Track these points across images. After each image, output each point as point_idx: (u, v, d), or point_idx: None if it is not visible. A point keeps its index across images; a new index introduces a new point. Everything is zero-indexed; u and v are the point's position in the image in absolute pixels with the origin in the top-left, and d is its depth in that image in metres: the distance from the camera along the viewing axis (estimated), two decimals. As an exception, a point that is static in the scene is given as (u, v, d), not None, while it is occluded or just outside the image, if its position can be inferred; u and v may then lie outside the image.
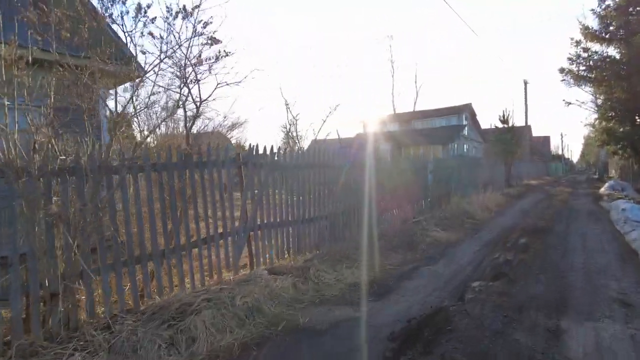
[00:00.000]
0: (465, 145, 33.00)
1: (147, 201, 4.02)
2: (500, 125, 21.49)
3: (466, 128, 33.37)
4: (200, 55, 4.07)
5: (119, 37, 6.95)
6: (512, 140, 20.84)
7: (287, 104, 11.86)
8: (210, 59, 4.01)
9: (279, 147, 5.56)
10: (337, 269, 5.29)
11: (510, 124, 21.02)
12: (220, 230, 4.74)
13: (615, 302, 4.06)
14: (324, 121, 11.77)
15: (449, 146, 30.18)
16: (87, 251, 3.40)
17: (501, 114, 21.10)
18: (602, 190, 18.40)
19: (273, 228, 5.44)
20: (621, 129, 17.58)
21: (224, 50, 4.05)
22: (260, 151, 5.29)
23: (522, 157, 34.06)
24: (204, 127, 12.68)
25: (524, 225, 9.08)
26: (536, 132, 55.76)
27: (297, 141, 11.52)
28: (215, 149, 4.78)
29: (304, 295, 4.38)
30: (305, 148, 13.28)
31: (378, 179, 8.69)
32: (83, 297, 3.42)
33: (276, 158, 5.48)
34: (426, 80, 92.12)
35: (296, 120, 12.30)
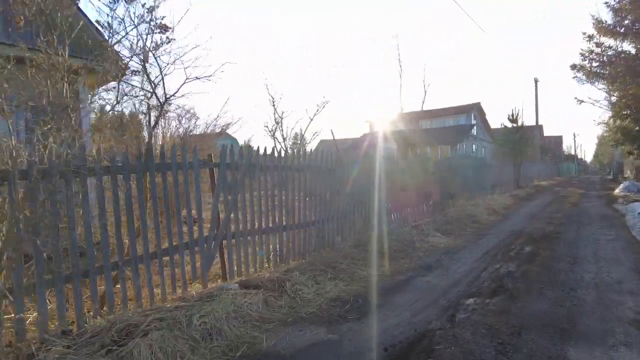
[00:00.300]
0: (474, 145, 32.24)
1: (98, 207, 3.60)
2: (509, 124, 20.78)
3: (475, 128, 32.60)
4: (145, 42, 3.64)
5: (102, 35, 6.60)
6: (522, 140, 20.11)
7: (273, 101, 11.20)
8: (156, 46, 3.57)
9: (258, 148, 5.10)
10: (319, 280, 4.81)
11: (519, 123, 20.29)
12: (186, 239, 4.30)
13: (633, 325, 3.52)
14: (311, 119, 11.21)
15: (457, 146, 29.47)
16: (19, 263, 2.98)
17: (510, 113, 20.39)
18: (617, 191, 17.59)
19: (250, 236, 4.99)
20: (637, 128, 16.76)
21: (167, 37, 3.61)
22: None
23: (533, 157, 33.17)
24: (194, 128, 12.25)
25: (530, 230, 8.49)
26: (548, 132, 54.62)
27: (280, 141, 10.86)
28: (181, 148, 4.35)
29: (275, 313, 3.91)
30: (312, 149, 12.75)
31: (376, 182, 8.19)
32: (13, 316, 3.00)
33: (253, 160, 5.02)
34: (435, 80, 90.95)
35: (282, 118, 11.63)
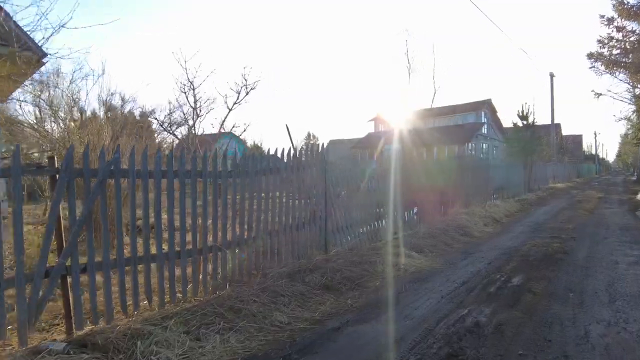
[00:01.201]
0: (484, 145, 30.31)
1: None
2: (519, 122, 18.95)
3: (485, 126, 30.67)
4: None
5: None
6: (533, 138, 18.28)
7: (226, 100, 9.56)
8: None
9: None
10: (202, 334, 3.39)
11: (530, 120, 18.45)
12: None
13: None
14: (230, 110, 9.54)
15: (465, 146, 27.65)
16: None
17: (520, 109, 18.58)
18: (641, 196, 15.66)
19: (117, 267, 3.61)
20: (664, 124, 14.82)
21: None
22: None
23: (549, 157, 31.03)
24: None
25: (529, 247, 6.88)
26: (567, 131, 51.88)
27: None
28: None
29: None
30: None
31: (343, 186, 6.74)
32: None
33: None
34: (445, 77, 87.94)
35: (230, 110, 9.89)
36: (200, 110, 9.64)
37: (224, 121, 9.94)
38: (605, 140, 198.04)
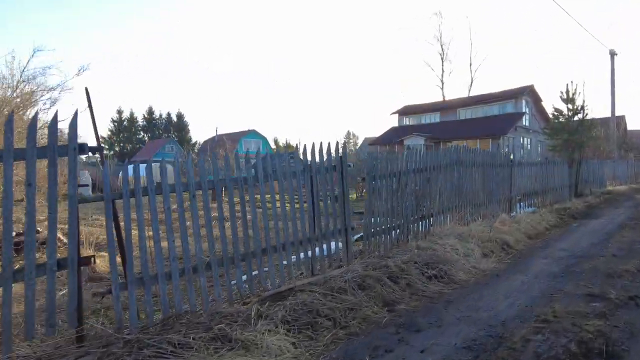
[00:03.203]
0: (524, 139, 25.66)
1: None
2: (564, 107, 14.70)
3: (527, 117, 25.98)
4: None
5: None
6: (582, 127, 14.04)
7: None
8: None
9: None
10: None
11: (577, 104, 14.20)
12: None
13: None
14: None
15: (500, 140, 23.32)
16: None
17: (564, 90, 14.36)
18: None
19: None
20: None
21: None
22: None
23: (606, 153, 25.79)
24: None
25: (535, 329, 3.42)
26: (633, 125, 44.73)
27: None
28: None
29: None
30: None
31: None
32: None
33: None
34: (484, 63, 79.75)
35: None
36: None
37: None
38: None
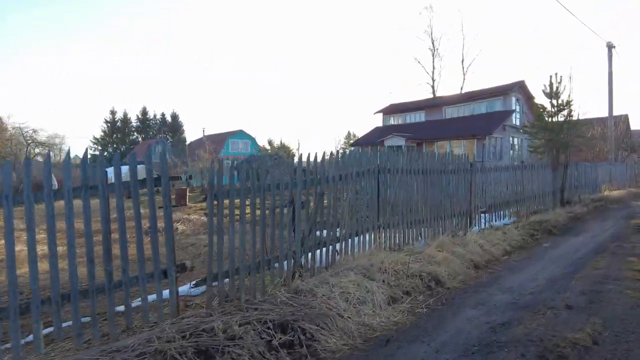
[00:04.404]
0: (514, 139, 23.79)
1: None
2: (547, 103, 12.86)
3: (516, 115, 24.12)
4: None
5: None
6: (567, 126, 12.21)
7: None
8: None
9: None
10: None
11: (562, 99, 12.35)
12: None
13: None
14: None
15: (485, 140, 21.50)
16: None
17: (547, 83, 12.51)
18: None
19: None
20: None
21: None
22: None
23: (606, 154, 23.95)
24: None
25: None
26: (636, 125, 42.67)
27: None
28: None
29: None
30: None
31: None
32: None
33: None
34: (477, 60, 76.71)
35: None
36: None
37: None
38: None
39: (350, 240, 5.39)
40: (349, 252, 5.32)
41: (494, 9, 74.59)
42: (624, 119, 35.45)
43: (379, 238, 5.82)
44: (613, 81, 22.82)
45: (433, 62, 37.85)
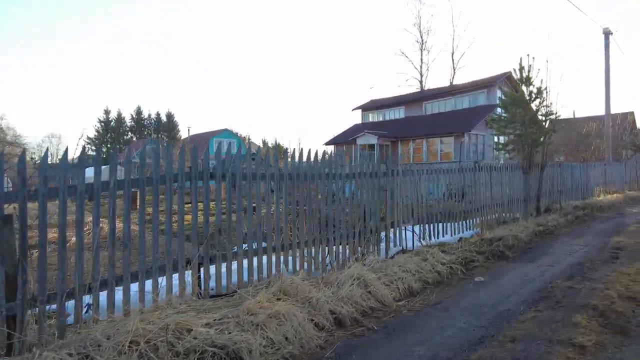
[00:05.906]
0: (499, 137, 21.44)
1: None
2: (522, 89, 10.64)
3: (501, 110, 21.79)
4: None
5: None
6: (538, 118, 10.00)
7: None
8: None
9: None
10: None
11: (534, 86, 10.12)
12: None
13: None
14: None
15: (464, 138, 19.26)
16: None
17: (517, 67, 10.28)
18: None
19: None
20: None
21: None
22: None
23: (601, 154, 21.64)
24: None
25: None
26: None
27: None
28: None
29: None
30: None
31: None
32: None
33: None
34: (469, 51, 73.40)
35: None
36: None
37: None
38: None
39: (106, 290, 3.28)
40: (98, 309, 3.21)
41: (494, 10, 71.81)
42: (630, 116, 32.86)
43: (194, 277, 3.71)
44: (610, 70, 20.46)
45: (421, 55, 35.59)
